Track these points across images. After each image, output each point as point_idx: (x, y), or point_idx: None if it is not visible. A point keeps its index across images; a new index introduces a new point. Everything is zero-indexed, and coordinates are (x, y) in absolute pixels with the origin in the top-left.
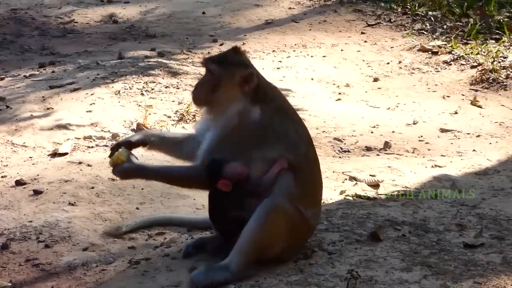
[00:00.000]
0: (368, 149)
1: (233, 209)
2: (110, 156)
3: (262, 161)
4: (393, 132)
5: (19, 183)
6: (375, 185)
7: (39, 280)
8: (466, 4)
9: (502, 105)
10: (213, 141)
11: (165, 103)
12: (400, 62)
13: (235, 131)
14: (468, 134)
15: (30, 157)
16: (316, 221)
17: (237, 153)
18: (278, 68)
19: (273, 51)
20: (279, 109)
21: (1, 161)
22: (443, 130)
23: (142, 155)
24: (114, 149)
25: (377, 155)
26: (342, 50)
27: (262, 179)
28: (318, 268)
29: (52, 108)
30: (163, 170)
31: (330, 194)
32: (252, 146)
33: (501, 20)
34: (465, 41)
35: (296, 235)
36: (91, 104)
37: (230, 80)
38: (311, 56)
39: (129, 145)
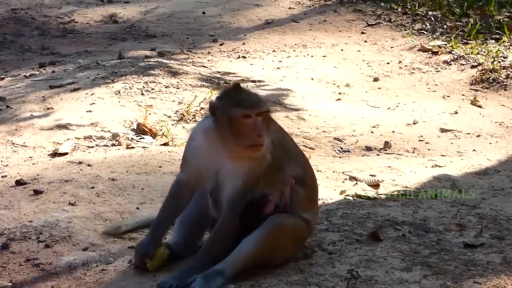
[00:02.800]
0: (368, 149)
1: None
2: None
3: (278, 182)
4: (393, 132)
5: (19, 183)
6: (375, 185)
7: (39, 280)
8: (466, 4)
9: (502, 105)
10: (243, 183)
11: (165, 103)
12: (400, 62)
13: (259, 163)
14: (468, 134)
15: (30, 157)
16: (316, 220)
17: (265, 185)
18: (278, 68)
19: (273, 51)
20: (274, 124)
21: (1, 161)
22: (443, 130)
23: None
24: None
25: (377, 155)
26: (342, 50)
27: (281, 201)
28: (318, 268)
29: (52, 108)
30: (205, 251)
31: (330, 194)
32: (276, 171)
33: (501, 20)
34: (465, 41)
35: (299, 246)
36: (91, 104)
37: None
38: (311, 56)
39: (151, 255)
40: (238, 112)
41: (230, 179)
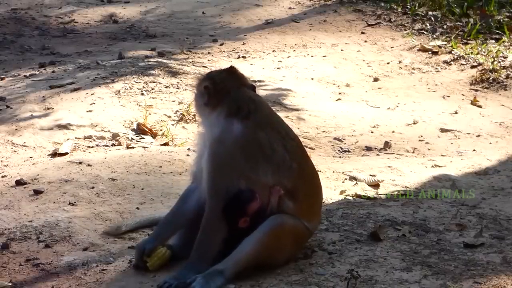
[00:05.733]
0: (368, 149)
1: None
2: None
3: (262, 188)
4: (393, 132)
5: (19, 183)
6: (375, 185)
7: (39, 280)
8: (466, 4)
9: (502, 105)
10: (208, 166)
11: (165, 103)
12: (400, 62)
13: (219, 146)
14: (468, 134)
15: (30, 157)
16: (316, 227)
17: (228, 174)
18: (278, 68)
19: (273, 51)
20: (261, 122)
21: (2, 161)
22: (443, 130)
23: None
24: (143, 261)
25: (377, 155)
26: (342, 50)
27: (267, 211)
28: (318, 268)
29: (52, 108)
30: (197, 248)
31: (330, 194)
32: (246, 167)
33: (501, 20)
34: (465, 41)
35: (299, 246)
36: (91, 104)
37: (198, 91)
38: (311, 56)
39: (149, 252)
40: None
41: (204, 166)
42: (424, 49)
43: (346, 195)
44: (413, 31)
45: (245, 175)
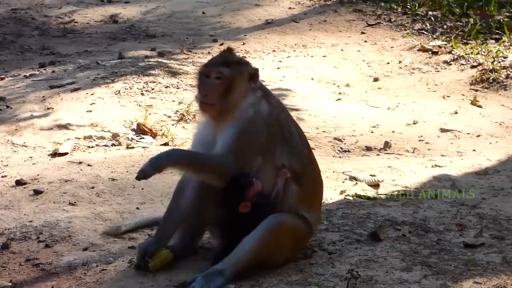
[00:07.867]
0: (368, 149)
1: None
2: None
3: (270, 170)
4: (393, 132)
5: (19, 183)
6: (375, 185)
7: (39, 280)
8: (466, 4)
9: (502, 105)
10: (231, 135)
11: (165, 103)
12: (400, 62)
13: (250, 124)
14: (468, 134)
15: (30, 157)
16: (318, 223)
17: (252, 150)
18: (278, 68)
19: (273, 51)
20: (281, 105)
21: (1, 161)
22: (443, 130)
23: None
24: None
25: (377, 155)
26: (342, 50)
27: (272, 193)
28: (318, 268)
29: (52, 108)
30: (193, 154)
31: (330, 194)
32: (267, 145)
33: (501, 20)
34: (465, 41)
35: (300, 244)
36: (91, 104)
37: (241, 78)
38: (311, 56)
39: (151, 253)
40: (199, 69)
41: (225, 139)
42: (424, 49)
43: (346, 195)
44: (413, 31)
45: (264, 152)
